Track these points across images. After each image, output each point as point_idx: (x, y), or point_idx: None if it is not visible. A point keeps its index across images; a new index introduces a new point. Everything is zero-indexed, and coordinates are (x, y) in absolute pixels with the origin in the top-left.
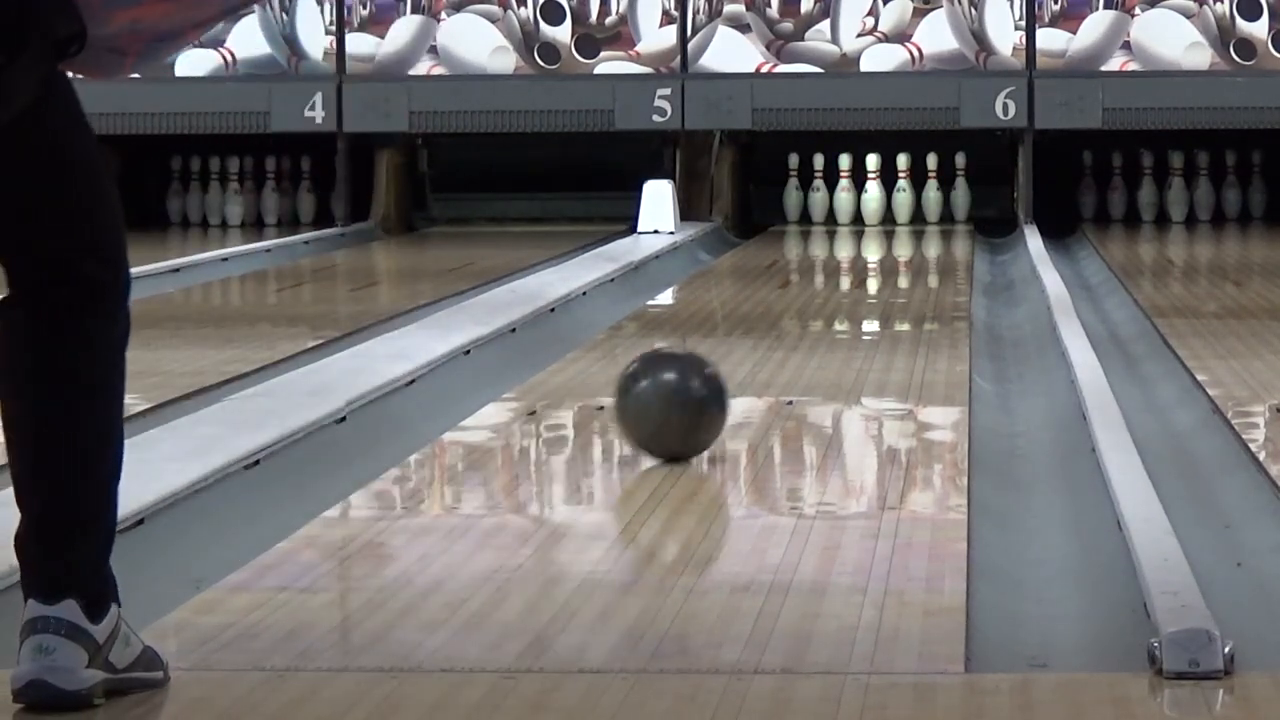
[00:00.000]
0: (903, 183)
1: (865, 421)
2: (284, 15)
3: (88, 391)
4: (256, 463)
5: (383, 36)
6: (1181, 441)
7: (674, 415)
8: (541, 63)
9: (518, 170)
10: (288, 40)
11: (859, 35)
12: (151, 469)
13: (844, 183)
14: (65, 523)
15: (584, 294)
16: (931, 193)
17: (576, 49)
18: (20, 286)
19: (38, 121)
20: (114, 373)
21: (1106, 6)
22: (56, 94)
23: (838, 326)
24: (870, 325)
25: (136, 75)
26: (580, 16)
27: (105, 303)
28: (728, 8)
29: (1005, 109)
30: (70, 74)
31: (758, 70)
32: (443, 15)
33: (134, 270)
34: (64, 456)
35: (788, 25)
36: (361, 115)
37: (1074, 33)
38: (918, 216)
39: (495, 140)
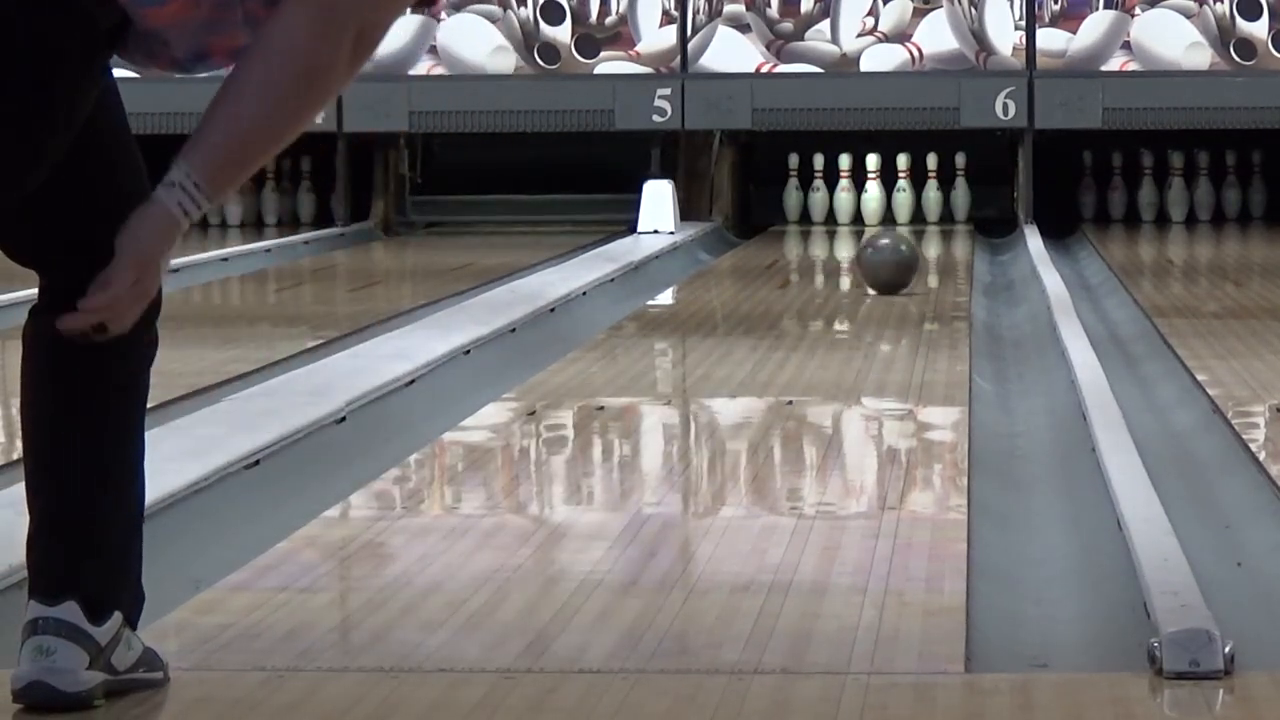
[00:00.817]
0: (903, 183)
1: (865, 421)
2: None
3: (108, 397)
4: (256, 463)
5: None
6: (1181, 441)
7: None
8: (541, 63)
9: (512, 172)
10: None
11: (859, 35)
12: (151, 469)
13: (844, 183)
14: (69, 523)
15: (584, 294)
16: (931, 193)
17: (576, 49)
18: (54, 291)
19: (100, 115)
20: (137, 383)
21: (1106, 6)
22: (111, 91)
23: (838, 326)
24: (870, 325)
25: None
26: (580, 16)
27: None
28: (728, 8)
29: (1005, 109)
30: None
31: (758, 70)
32: (443, 15)
33: None
34: (74, 457)
35: (788, 25)
36: (361, 115)
37: (1074, 33)
38: (918, 216)
39: (487, 141)
